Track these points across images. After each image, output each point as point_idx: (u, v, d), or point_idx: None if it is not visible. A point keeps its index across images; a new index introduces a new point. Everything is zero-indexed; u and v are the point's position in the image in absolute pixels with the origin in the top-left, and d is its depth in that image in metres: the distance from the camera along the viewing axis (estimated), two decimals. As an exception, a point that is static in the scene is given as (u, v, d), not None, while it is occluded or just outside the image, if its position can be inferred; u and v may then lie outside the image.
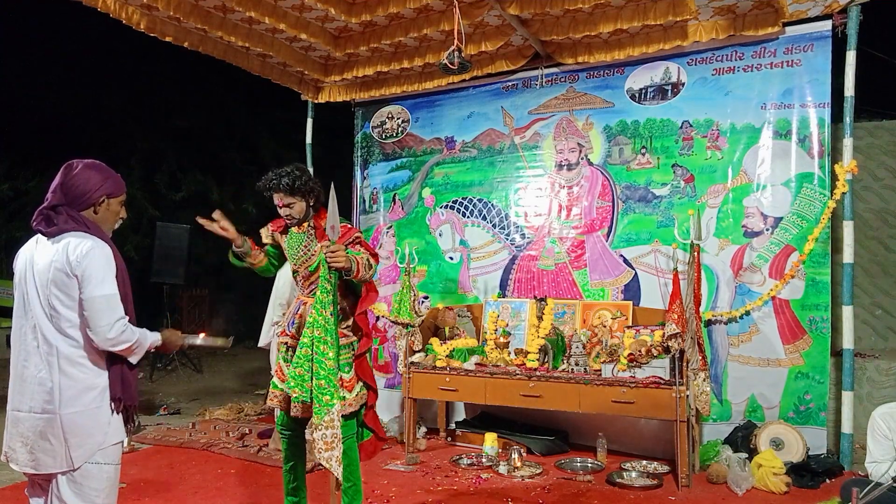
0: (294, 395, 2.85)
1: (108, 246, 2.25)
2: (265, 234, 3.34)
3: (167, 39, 4.61)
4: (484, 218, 5.56)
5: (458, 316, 5.18)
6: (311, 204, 3.21)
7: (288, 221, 3.21)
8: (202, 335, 2.62)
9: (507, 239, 5.46)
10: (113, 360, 2.26)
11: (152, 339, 2.34)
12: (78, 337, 2.20)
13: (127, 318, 2.22)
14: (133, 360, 2.29)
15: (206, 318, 11.83)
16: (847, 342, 4.28)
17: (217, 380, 8.49)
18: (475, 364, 4.66)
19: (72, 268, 2.16)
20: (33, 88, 11.05)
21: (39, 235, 2.26)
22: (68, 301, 2.18)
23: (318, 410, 2.70)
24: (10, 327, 2.35)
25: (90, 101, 11.40)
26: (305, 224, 3.22)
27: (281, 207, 3.16)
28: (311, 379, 2.76)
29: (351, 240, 3.09)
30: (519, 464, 4.31)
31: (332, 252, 2.76)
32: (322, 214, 3.21)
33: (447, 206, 5.71)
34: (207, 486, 4.13)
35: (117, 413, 2.26)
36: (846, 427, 4.26)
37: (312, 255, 3.17)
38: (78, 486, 2.19)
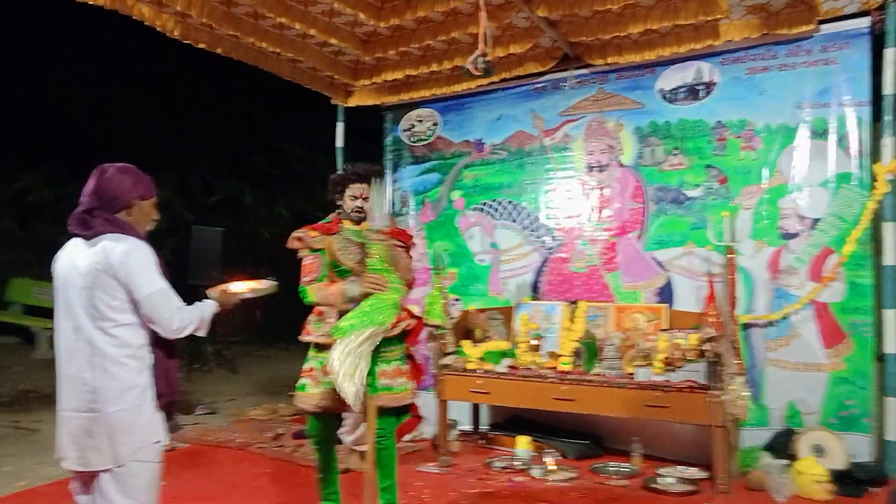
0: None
1: (145, 244, 2.31)
2: (318, 243, 3.28)
3: (200, 46, 4.68)
4: (514, 220, 5.55)
5: (490, 318, 5.18)
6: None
7: (357, 215, 3.27)
8: (243, 284, 2.60)
9: (538, 241, 5.44)
10: (156, 358, 2.32)
11: (210, 308, 2.42)
12: (120, 336, 2.25)
13: (183, 303, 2.31)
14: (202, 334, 2.38)
15: (239, 319, 12.00)
16: (890, 346, 4.15)
17: (252, 380, 8.61)
18: (507, 367, 4.65)
19: (114, 269, 2.21)
20: (72, 98, 11.35)
21: (77, 238, 2.32)
22: (112, 302, 2.23)
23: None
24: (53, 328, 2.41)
25: (127, 109, 11.68)
26: (364, 223, 3.28)
27: (358, 199, 3.23)
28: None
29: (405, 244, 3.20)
30: (552, 467, 4.28)
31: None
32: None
33: (477, 208, 5.71)
34: (244, 485, 4.19)
35: (161, 409, 2.32)
36: (890, 434, 4.12)
37: (369, 255, 3.22)
38: (121, 484, 2.24)
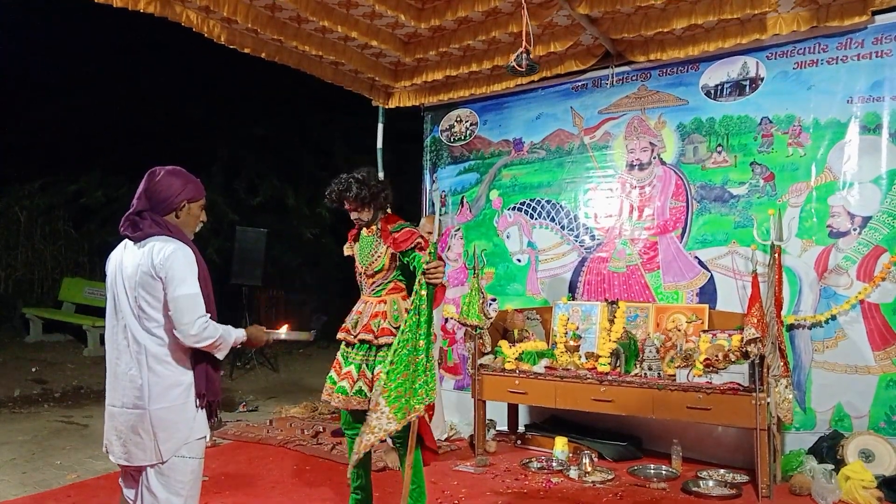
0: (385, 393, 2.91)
1: (189, 248, 2.35)
2: (347, 249, 3.52)
3: (245, 51, 4.79)
4: (552, 219, 5.52)
5: (528, 318, 5.16)
6: (380, 208, 3.33)
7: (357, 224, 3.36)
8: (286, 329, 2.71)
9: (577, 240, 5.39)
10: (198, 359, 2.37)
11: (237, 335, 2.43)
12: (164, 336, 2.31)
13: (209, 315, 2.32)
14: (219, 355, 2.38)
15: (281, 318, 12.20)
16: (945, 349, 4.02)
17: (292, 378, 8.74)
18: (545, 367, 4.62)
19: (156, 270, 2.27)
20: (124, 101, 11.71)
21: (127, 240, 2.39)
22: (154, 302, 2.29)
23: (398, 409, 2.80)
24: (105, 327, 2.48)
25: (176, 113, 11.98)
26: (374, 227, 3.34)
27: (350, 211, 3.32)
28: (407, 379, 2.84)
29: (413, 244, 3.17)
30: (590, 469, 4.25)
31: (434, 267, 2.86)
32: (391, 218, 3.33)
33: (515, 207, 5.69)
34: (284, 482, 4.27)
35: (202, 408, 2.38)
36: (944, 439, 3.99)
37: (378, 256, 3.28)
38: (165, 479, 2.31)
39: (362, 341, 3.23)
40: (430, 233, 5.13)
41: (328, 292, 12.64)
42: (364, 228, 3.37)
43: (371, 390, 3.15)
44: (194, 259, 2.35)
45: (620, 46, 5.05)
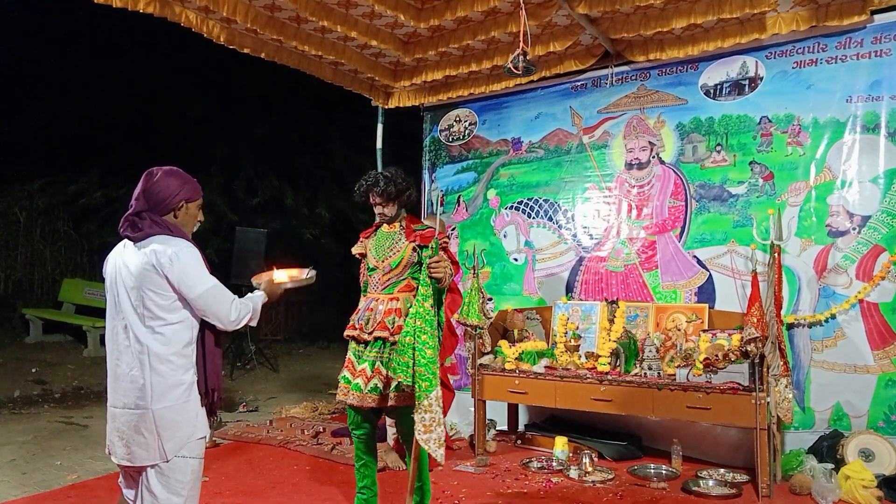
0: (399, 380, 2.98)
1: (191, 245, 2.38)
2: (357, 248, 3.56)
3: (245, 51, 4.79)
4: (550, 219, 5.52)
5: (527, 318, 5.16)
6: (404, 205, 3.43)
7: (380, 219, 3.42)
8: (282, 274, 2.75)
9: (574, 240, 5.39)
10: (200, 356, 2.39)
11: (260, 299, 2.54)
12: (168, 334, 2.31)
13: (236, 296, 2.40)
14: (253, 323, 2.50)
15: (280, 318, 12.20)
16: (944, 348, 4.02)
17: (293, 378, 8.75)
18: (545, 367, 4.63)
19: (163, 269, 2.28)
20: (123, 102, 11.70)
21: (126, 240, 2.39)
22: (161, 301, 2.30)
23: (418, 395, 2.87)
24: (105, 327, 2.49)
25: (175, 113, 11.97)
26: (396, 224, 3.41)
27: (375, 206, 3.38)
28: (413, 365, 2.89)
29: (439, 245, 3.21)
30: (590, 468, 4.25)
31: (436, 262, 2.96)
32: (413, 219, 3.46)
33: (512, 206, 5.69)
34: (284, 482, 4.27)
35: (207, 404, 2.40)
36: (943, 438, 3.99)
37: (398, 251, 3.33)
38: (165, 479, 2.31)
39: (377, 338, 3.25)
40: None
41: (328, 293, 12.65)
42: (386, 224, 3.42)
43: (386, 387, 3.19)
44: (199, 254, 2.38)
45: (620, 46, 5.05)
